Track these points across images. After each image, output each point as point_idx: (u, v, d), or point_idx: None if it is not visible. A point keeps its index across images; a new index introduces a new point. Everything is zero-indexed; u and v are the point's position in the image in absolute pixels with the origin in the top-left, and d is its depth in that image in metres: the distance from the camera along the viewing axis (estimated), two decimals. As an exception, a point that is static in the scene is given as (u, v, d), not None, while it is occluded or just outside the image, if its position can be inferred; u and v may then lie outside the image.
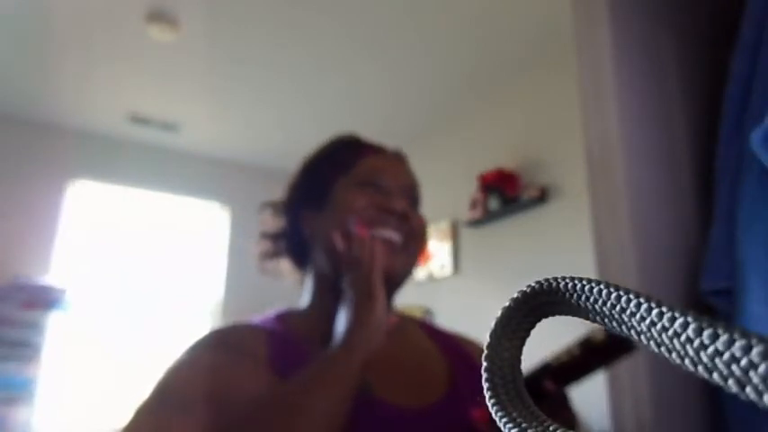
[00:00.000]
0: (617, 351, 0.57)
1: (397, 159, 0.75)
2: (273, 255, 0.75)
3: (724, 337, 0.12)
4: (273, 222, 0.75)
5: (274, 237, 0.75)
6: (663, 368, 1.03)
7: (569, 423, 0.61)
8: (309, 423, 0.49)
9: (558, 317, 0.18)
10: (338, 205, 0.67)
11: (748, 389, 0.11)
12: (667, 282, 1.12)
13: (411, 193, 0.72)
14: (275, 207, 0.76)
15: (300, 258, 0.73)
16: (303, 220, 0.72)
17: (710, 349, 0.12)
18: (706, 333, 0.12)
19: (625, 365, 1.07)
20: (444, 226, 3.07)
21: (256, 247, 0.76)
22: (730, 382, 0.12)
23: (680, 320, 0.13)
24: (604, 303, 0.15)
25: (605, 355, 0.57)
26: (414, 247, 0.69)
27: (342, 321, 0.57)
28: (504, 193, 2.58)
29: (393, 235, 0.65)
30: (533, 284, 0.17)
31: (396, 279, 0.67)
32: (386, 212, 0.65)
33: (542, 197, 2.43)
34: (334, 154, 0.74)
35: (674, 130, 1.23)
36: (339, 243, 0.61)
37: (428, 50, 2.55)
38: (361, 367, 0.53)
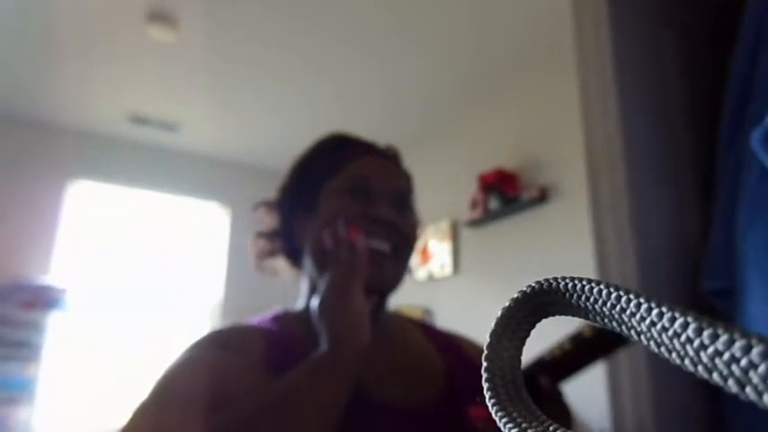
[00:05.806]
0: (608, 345, 0.57)
1: (386, 160, 0.74)
2: (269, 254, 0.75)
3: (724, 338, 0.12)
4: (269, 221, 0.75)
5: (270, 236, 0.75)
6: (663, 368, 1.03)
7: (564, 418, 0.62)
8: (302, 422, 0.49)
9: (557, 317, 0.18)
10: (326, 211, 0.67)
11: (748, 389, 0.11)
12: (667, 282, 1.12)
13: (400, 196, 0.71)
14: (269, 206, 0.76)
15: (295, 259, 0.73)
16: (294, 222, 0.72)
17: (710, 349, 0.12)
18: (706, 333, 0.12)
19: (625, 365, 1.07)
20: (444, 226, 3.07)
21: (253, 245, 0.75)
22: (730, 382, 0.12)
23: (680, 321, 0.13)
24: (604, 303, 0.15)
25: (596, 349, 0.57)
26: (403, 254, 0.69)
27: (315, 316, 0.57)
28: (504, 193, 2.58)
29: (382, 245, 0.65)
30: (533, 285, 0.17)
31: (386, 287, 0.67)
32: (374, 222, 0.65)
33: (542, 197, 2.43)
34: (322, 156, 0.73)
35: (675, 130, 1.23)
36: (328, 241, 0.61)
37: (428, 50, 2.55)
38: (354, 366, 0.53)
